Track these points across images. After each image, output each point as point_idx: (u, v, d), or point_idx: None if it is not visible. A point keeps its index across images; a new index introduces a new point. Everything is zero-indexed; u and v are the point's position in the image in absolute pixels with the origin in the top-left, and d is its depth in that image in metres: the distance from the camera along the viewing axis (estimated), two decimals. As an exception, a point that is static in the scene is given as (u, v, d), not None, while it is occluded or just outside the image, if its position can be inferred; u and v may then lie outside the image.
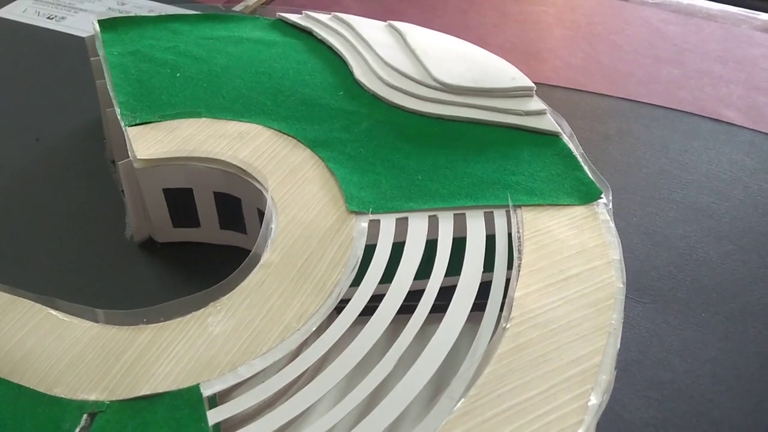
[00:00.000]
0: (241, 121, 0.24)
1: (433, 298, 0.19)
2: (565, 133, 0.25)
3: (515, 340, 0.18)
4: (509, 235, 0.21)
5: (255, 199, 0.23)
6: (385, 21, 0.30)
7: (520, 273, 0.20)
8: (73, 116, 0.31)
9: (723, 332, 0.23)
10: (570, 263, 0.20)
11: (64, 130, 0.30)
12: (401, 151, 0.23)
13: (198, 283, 0.24)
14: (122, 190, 0.27)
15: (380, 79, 0.26)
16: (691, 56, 0.38)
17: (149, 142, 0.23)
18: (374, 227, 0.21)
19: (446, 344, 0.18)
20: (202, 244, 0.25)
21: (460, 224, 0.21)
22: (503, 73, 0.26)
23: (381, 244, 0.20)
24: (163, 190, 0.23)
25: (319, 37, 0.29)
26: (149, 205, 0.23)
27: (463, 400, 0.16)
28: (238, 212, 0.24)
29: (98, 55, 0.27)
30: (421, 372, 0.17)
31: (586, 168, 0.23)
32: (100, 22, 0.28)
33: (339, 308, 0.19)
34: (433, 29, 0.30)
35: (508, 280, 0.20)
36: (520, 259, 0.20)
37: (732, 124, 0.33)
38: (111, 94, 0.25)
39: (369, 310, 0.19)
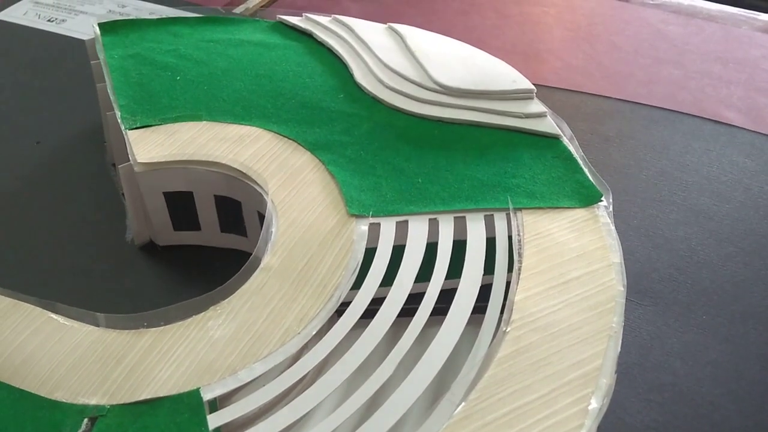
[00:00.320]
0: (242, 124, 0.24)
1: (434, 302, 0.19)
2: (565, 135, 0.25)
3: (516, 343, 0.18)
4: (509, 238, 0.21)
5: (255, 202, 0.23)
6: (385, 23, 0.30)
7: (521, 276, 0.19)
8: (74, 119, 0.31)
9: (724, 335, 0.23)
10: (570, 266, 0.20)
11: (65, 134, 0.30)
12: (401, 153, 0.23)
13: (198, 286, 0.24)
14: (123, 194, 0.27)
15: (380, 81, 0.26)
16: (691, 57, 0.38)
17: (150, 146, 0.23)
18: (374, 230, 0.21)
19: (446, 348, 0.18)
20: (202, 247, 0.25)
21: (460, 227, 0.21)
22: (503, 75, 0.26)
23: (381, 247, 0.20)
24: (163, 193, 0.23)
25: (319, 40, 0.29)
26: (150, 208, 0.23)
27: (463, 403, 0.16)
28: (239, 215, 0.24)
29: (98, 59, 0.27)
30: (422, 375, 0.17)
31: (586, 170, 0.23)
32: (101, 25, 0.28)
33: (339, 311, 0.19)
34: (433, 31, 0.30)
35: (508, 283, 0.20)
36: (520, 262, 0.20)
37: (733, 125, 0.33)
38: (111, 97, 0.25)
39: (369, 313, 0.19)
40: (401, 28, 0.29)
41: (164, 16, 0.29)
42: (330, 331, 0.18)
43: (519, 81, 0.26)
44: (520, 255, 0.20)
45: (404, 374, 0.17)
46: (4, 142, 0.30)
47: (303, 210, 0.21)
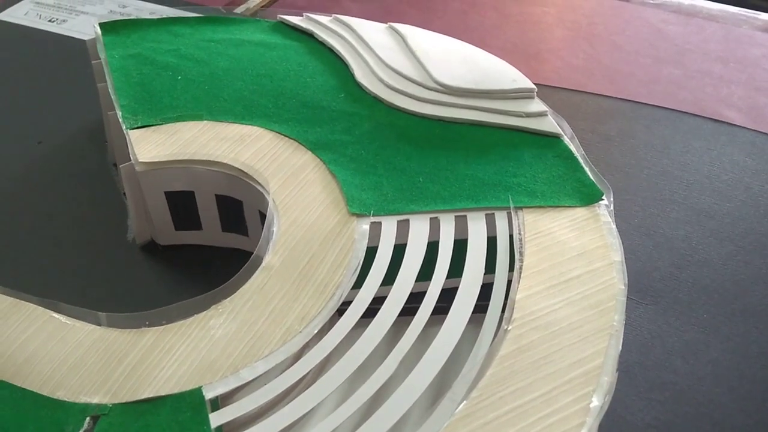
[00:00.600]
0: (243, 123, 0.24)
1: (435, 300, 0.19)
2: (566, 134, 0.25)
3: (517, 342, 0.18)
4: (510, 236, 0.21)
5: (257, 202, 0.23)
6: (385, 23, 0.30)
7: (522, 275, 0.20)
8: (75, 119, 0.31)
9: (725, 333, 0.23)
10: (571, 265, 0.20)
11: (66, 133, 0.30)
12: (402, 153, 0.23)
13: (200, 285, 0.24)
14: (124, 193, 0.27)
15: (381, 81, 0.26)
16: (692, 57, 0.38)
17: (151, 145, 0.23)
18: (376, 229, 0.21)
19: (448, 346, 0.18)
20: (203, 247, 0.25)
21: (461, 226, 0.21)
22: (504, 74, 0.26)
23: (382, 246, 0.20)
24: (164, 192, 0.23)
25: (320, 40, 0.29)
26: (151, 207, 0.23)
27: (464, 402, 0.16)
28: (240, 215, 0.24)
29: (99, 58, 0.27)
30: (423, 374, 0.17)
31: (587, 169, 0.23)
32: (102, 25, 0.28)
33: (341, 311, 0.19)
34: (433, 31, 0.30)
35: (509, 282, 0.20)
36: (521, 261, 0.20)
37: (733, 124, 0.33)
38: (112, 97, 0.25)
39: (371, 312, 0.19)
40: (402, 27, 0.29)
41: (165, 16, 0.29)
42: (331, 330, 0.18)
43: (520, 80, 0.26)
44: (521, 254, 0.20)
45: (405, 373, 0.17)
46: (6, 142, 0.30)
47: (304, 209, 0.21)
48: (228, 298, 0.19)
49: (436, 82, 0.25)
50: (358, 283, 0.19)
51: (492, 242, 0.21)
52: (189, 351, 0.18)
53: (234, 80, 0.26)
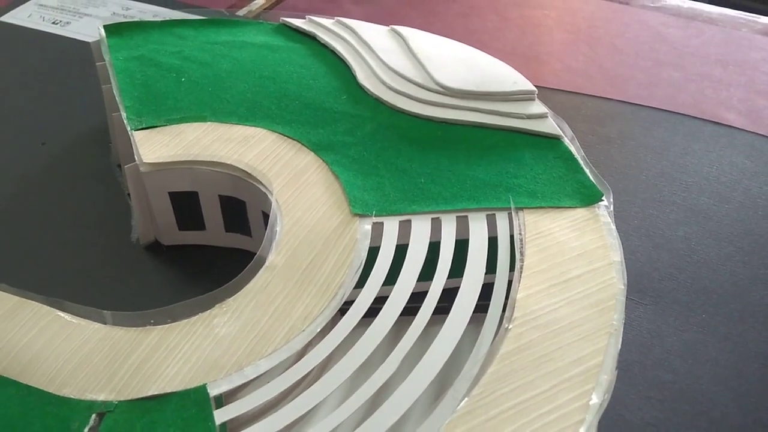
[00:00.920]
0: (246, 125, 0.24)
1: (436, 300, 0.19)
2: (566, 136, 0.25)
3: (518, 340, 0.18)
4: (511, 237, 0.21)
5: (260, 202, 0.23)
6: (387, 25, 0.30)
7: (522, 275, 0.20)
8: (79, 121, 0.31)
9: (723, 333, 0.23)
10: (571, 265, 0.20)
11: (70, 135, 0.30)
12: (404, 154, 0.24)
13: (203, 285, 0.24)
14: (128, 194, 0.27)
15: (383, 83, 0.26)
16: (691, 59, 0.38)
17: (155, 146, 0.23)
18: (378, 229, 0.21)
19: (449, 345, 0.18)
20: (207, 247, 0.25)
21: (462, 226, 0.21)
22: (505, 76, 0.26)
23: (384, 246, 0.21)
24: (168, 193, 0.23)
25: (322, 42, 0.29)
26: (155, 208, 0.24)
27: (466, 399, 0.17)
28: (243, 215, 0.24)
29: (104, 60, 0.27)
30: (425, 372, 0.18)
31: (587, 171, 0.23)
32: (106, 27, 0.28)
33: (343, 310, 0.19)
34: (434, 33, 0.30)
35: (510, 282, 0.20)
36: (522, 260, 0.20)
37: (732, 127, 0.33)
38: (117, 98, 0.25)
39: (373, 311, 0.19)
40: (403, 30, 0.29)
41: (168, 19, 0.30)
42: (334, 329, 0.19)
43: (520, 82, 0.26)
44: (521, 254, 0.20)
45: (407, 371, 0.18)
46: (10, 144, 0.30)
47: (307, 209, 0.21)
48: (232, 297, 0.19)
49: (438, 84, 0.26)
50: (361, 283, 0.20)
51: (493, 242, 0.21)
52: (193, 349, 0.18)
53: (237, 82, 0.26)
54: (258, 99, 0.25)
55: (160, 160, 0.23)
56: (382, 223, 0.21)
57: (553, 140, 0.25)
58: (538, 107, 0.26)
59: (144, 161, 0.22)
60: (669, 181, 0.30)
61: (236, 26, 0.30)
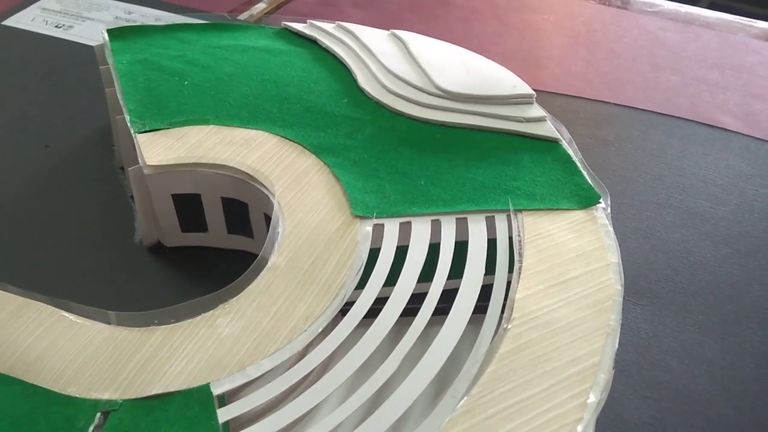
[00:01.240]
0: (248, 128, 0.24)
1: (436, 301, 0.20)
2: (564, 139, 0.25)
3: (516, 340, 0.18)
4: (510, 238, 0.21)
5: (262, 204, 0.23)
6: (387, 30, 0.30)
7: (521, 276, 0.20)
8: (81, 123, 0.31)
9: (720, 334, 0.24)
10: (570, 266, 0.20)
11: (73, 138, 0.31)
12: (404, 157, 0.24)
13: (206, 286, 0.24)
14: (131, 196, 0.27)
15: (383, 86, 0.27)
16: (688, 64, 0.39)
17: (159, 149, 0.23)
18: (378, 231, 0.21)
19: (449, 345, 0.18)
20: (209, 249, 0.25)
21: (462, 228, 0.22)
22: (504, 80, 0.27)
23: (385, 247, 0.21)
24: (171, 195, 0.24)
25: (323, 46, 0.29)
26: (158, 210, 0.24)
27: (465, 398, 0.17)
28: (245, 217, 0.24)
29: (107, 64, 0.27)
30: (425, 372, 0.18)
31: (585, 173, 0.24)
32: (109, 31, 0.29)
33: (344, 310, 0.19)
34: (434, 37, 0.30)
35: (509, 283, 0.20)
36: (520, 262, 0.20)
37: (729, 130, 0.33)
38: (120, 101, 0.25)
39: (373, 312, 0.19)
40: (404, 34, 0.29)
41: (171, 23, 0.30)
42: (335, 329, 0.19)
43: (519, 86, 0.26)
44: (520, 255, 0.21)
45: (408, 371, 0.18)
46: (15, 146, 0.30)
47: (309, 211, 0.22)
48: (234, 298, 0.19)
49: (438, 87, 0.26)
50: (361, 284, 0.20)
51: (492, 244, 0.21)
52: (197, 349, 0.18)
53: (239, 85, 0.26)
54: (260, 102, 0.26)
55: (164, 163, 0.23)
56: (382, 225, 0.21)
57: (552, 143, 0.25)
58: (536, 111, 0.26)
59: (147, 164, 0.23)
60: (666, 184, 0.30)
61: (238, 30, 0.30)
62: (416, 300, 0.20)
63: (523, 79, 0.27)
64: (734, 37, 0.41)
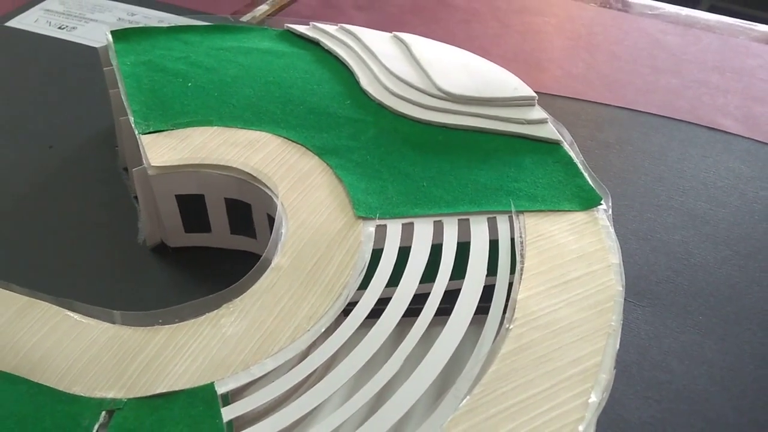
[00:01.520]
0: (252, 129, 0.25)
1: (438, 301, 0.20)
2: (565, 141, 0.25)
3: (518, 340, 0.18)
4: (512, 239, 0.22)
5: (265, 205, 0.23)
6: (390, 32, 0.30)
7: (523, 276, 0.20)
8: (85, 124, 0.32)
9: (720, 335, 0.24)
10: (571, 267, 0.21)
11: (77, 138, 0.31)
12: (407, 158, 0.24)
13: (209, 286, 0.24)
14: (135, 197, 0.27)
15: (386, 88, 0.27)
16: (689, 66, 0.39)
17: (163, 150, 0.23)
18: (381, 232, 0.21)
19: (451, 345, 0.19)
20: (212, 249, 0.25)
21: (464, 229, 0.22)
22: (506, 82, 0.27)
23: (387, 248, 0.21)
24: (175, 196, 0.24)
25: (326, 48, 0.29)
26: (162, 210, 0.24)
27: (468, 397, 0.17)
28: (249, 218, 0.24)
29: (111, 65, 0.28)
30: (427, 371, 0.18)
31: (586, 175, 0.24)
32: (113, 32, 0.29)
33: (346, 311, 0.20)
34: (436, 40, 0.30)
35: (510, 284, 0.20)
36: (522, 263, 0.21)
37: (729, 132, 0.33)
38: (125, 103, 0.25)
39: (376, 312, 0.19)
40: (406, 36, 0.29)
41: (174, 24, 0.30)
42: (338, 329, 0.19)
43: (521, 88, 0.27)
44: (522, 256, 0.21)
45: (410, 371, 0.18)
46: (19, 147, 0.30)
47: (312, 212, 0.22)
48: (238, 298, 0.19)
49: (440, 89, 0.26)
50: (364, 284, 0.20)
51: (494, 245, 0.21)
52: (201, 348, 0.18)
53: (243, 87, 0.27)
54: (263, 104, 0.26)
55: (168, 164, 0.23)
56: (385, 226, 0.22)
57: (553, 145, 0.25)
58: (538, 113, 0.26)
59: (152, 164, 0.23)
60: (666, 186, 0.30)
61: (241, 32, 0.30)
62: (419, 300, 0.20)
63: (524, 81, 0.27)
64: (735, 40, 0.41)
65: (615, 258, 0.21)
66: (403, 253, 0.21)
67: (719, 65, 0.39)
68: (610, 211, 0.23)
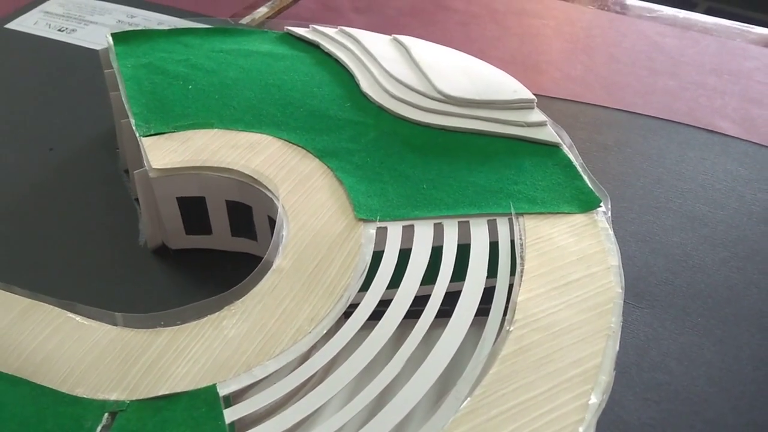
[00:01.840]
0: (252, 131, 0.25)
1: (439, 303, 0.20)
2: (565, 143, 0.25)
3: (518, 342, 0.19)
4: (512, 242, 0.22)
5: (266, 207, 0.23)
6: (389, 35, 0.31)
7: (523, 278, 0.20)
8: (85, 127, 0.32)
9: (718, 336, 0.24)
10: (570, 269, 0.21)
11: (77, 141, 0.31)
12: (407, 160, 0.24)
13: (210, 288, 0.24)
14: (136, 199, 0.28)
15: (386, 91, 0.27)
16: (686, 68, 0.39)
17: (164, 152, 0.24)
18: (382, 234, 0.22)
19: (452, 347, 0.19)
20: (213, 251, 0.26)
21: (464, 231, 0.22)
22: (505, 85, 0.27)
23: (388, 250, 0.21)
24: (176, 198, 0.24)
25: (326, 51, 0.29)
26: (163, 213, 0.24)
27: (468, 399, 0.17)
28: (249, 220, 0.24)
29: (112, 68, 0.28)
30: (428, 373, 0.18)
31: (585, 177, 0.24)
32: (114, 35, 0.29)
33: (347, 313, 0.20)
34: (435, 42, 0.30)
35: (511, 286, 0.20)
36: (522, 265, 0.21)
37: (726, 135, 0.34)
38: (125, 105, 0.25)
39: (377, 314, 0.20)
40: (406, 39, 0.30)
41: (174, 27, 0.30)
42: (339, 331, 0.19)
43: (520, 91, 0.27)
44: (522, 258, 0.21)
45: (411, 373, 0.18)
46: (19, 149, 0.30)
47: (313, 214, 0.22)
48: (240, 300, 0.20)
49: (439, 92, 0.26)
50: (365, 286, 0.20)
51: (494, 247, 0.22)
52: (203, 350, 0.18)
53: (243, 89, 0.27)
54: (264, 106, 0.26)
55: (169, 166, 0.23)
56: (385, 228, 0.22)
57: (552, 148, 0.25)
58: (537, 115, 0.26)
59: (153, 167, 0.23)
60: (665, 188, 0.30)
61: (241, 35, 0.30)
62: (419, 302, 0.20)
63: (523, 84, 0.27)
64: (732, 42, 0.42)
65: (614, 260, 0.21)
66: (404, 256, 0.21)
67: (717, 67, 0.39)
68: (609, 214, 0.23)
